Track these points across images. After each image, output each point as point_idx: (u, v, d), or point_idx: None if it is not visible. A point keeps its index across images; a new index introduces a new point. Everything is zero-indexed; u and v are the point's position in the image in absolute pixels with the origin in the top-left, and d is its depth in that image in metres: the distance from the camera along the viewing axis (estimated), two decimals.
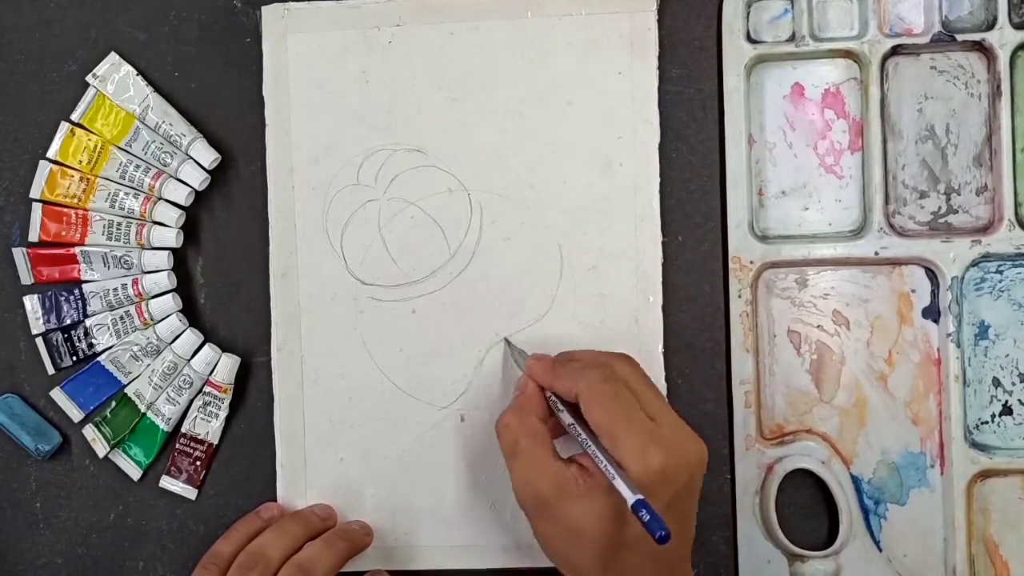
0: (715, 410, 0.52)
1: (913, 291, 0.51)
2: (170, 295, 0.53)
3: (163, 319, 0.53)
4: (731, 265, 0.51)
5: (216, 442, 0.54)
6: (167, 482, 0.54)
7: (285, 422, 0.53)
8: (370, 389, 0.52)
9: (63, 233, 0.53)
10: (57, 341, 0.54)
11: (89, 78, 0.53)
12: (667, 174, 0.52)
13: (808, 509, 0.52)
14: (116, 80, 0.53)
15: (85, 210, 0.53)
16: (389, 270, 0.52)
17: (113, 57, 0.54)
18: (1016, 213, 0.50)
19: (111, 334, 0.53)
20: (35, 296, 0.54)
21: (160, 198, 0.52)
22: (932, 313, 0.51)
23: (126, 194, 0.53)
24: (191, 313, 0.54)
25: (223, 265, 0.54)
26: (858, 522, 0.51)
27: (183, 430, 0.54)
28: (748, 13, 0.52)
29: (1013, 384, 0.51)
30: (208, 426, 0.53)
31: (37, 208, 0.53)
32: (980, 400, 0.51)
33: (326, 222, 0.53)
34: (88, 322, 0.53)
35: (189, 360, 0.53)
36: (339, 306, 0.53)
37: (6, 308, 0.55)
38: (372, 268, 0.53)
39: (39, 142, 0.54)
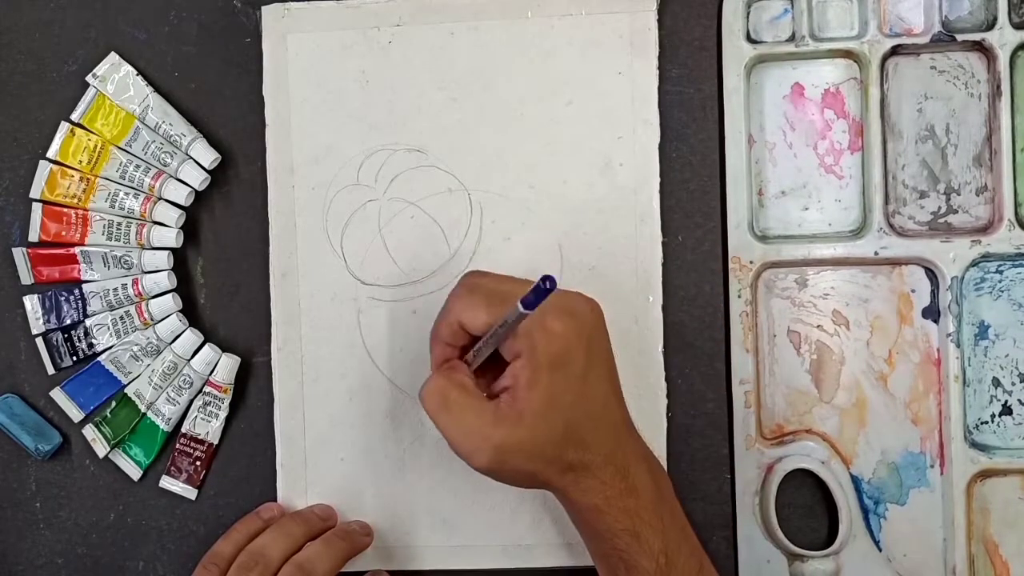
0: (715, 410, 0.52)
1: (913, 291, 0.51)
2: (170, 295, 0.53)
3: (163, 319, 0.53)
4: (731, 265, 0.51)
5: (216, 442, 0.54)
6: (167, 482, 0.54)
7: (285, 422, 0.53)
8: (370, 389, 0.52)
9: (63, 233, 0.53)
10: (57, 341, 0.54)
11: (89, 78, 0.53)
12: (667, 174, 0.52)
13: (808, 509, 0.52)
14: (116, 80, 0.53)
15: (85, 210, 0.53)
16: (389, 270, 0.52)
17: (113, 57, 0.54)
18: (1016, 213, 0.50)
19: (111, 334, 0.53)
20: (35, 296, 0.54)
21: (160, 198, 0.52)
22: (932, 313, 0.51)
23: (126, 194, 0.53)
24: (191, 313, 0.54)
25: (223, 265, 0.54)
26: (858, 522, 0.51)
27: (183, 430, 0.54)
28: (748, 13, 0.52)
29: (1013, 384, 0.51)
30: (208, 426, 0.53)
31: (37, 208, 0.53)
32: (980, 400, 0.51)
33: (326, 222, 0.53)
34: (88, 322, 0.53)
35: (189, 360, 0.53)
36: (339, 306, 0.53)
37: (6, 308, 0.55)
38: (372, 268, 0.53)
39: (39, 142, 0.54)
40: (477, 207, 0.52)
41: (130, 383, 0.53)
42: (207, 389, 0.53)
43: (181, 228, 0.53)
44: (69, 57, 0.55)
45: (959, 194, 0.52)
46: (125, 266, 0.53)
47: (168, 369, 0.53)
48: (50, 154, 0.53)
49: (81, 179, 0.53)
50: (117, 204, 0.53)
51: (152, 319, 0.53)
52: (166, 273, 0.53)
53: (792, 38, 0.51)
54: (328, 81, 0.53)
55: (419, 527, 0.52)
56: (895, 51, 0.51)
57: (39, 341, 0.54)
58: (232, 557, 0.48)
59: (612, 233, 0.51)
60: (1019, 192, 0.51)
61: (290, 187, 0.53)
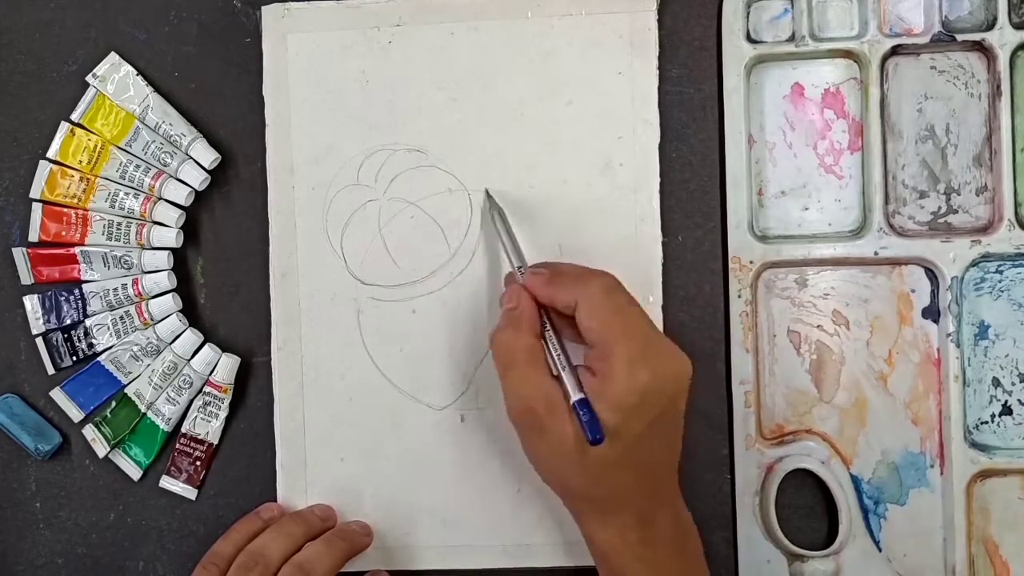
0: (715, 410, 0.52)
1: (913, 291, 0.51)
2: (170, 295, 0.53)
3: (163, 319, 0.53)
4: (731, 265, 0.51)
5: (216, 442, 0.54)
6: (167, 482, 0.54)
7: (285, 422, 0.53)
8: (370, 389, 0.52)
9: (63, 233, 0.53)
10: (57, 341, 0.54)
11: (89, 78, 0.53)
12: (667, 174, 0.52)
13: (808, 509, 0.52)
14: (116, 80, 0.53)
15: (85, 210, 0.53)
16: (389, 270, 0.52)
17: (113, 57, 0.54)
18: (1016, 213, 0.50)
19: (111, 334, 0.53)
20: (35, 296, 0.54)
21: (160, 198, 0.52)
22: (932, 313, 0.51)
23: (126, 194, 0.53)
24: (191, 313, 0.54)
25: (223, 265, 0.54)
26: (858, 522, 0.51)
27: (183, 430, 0.54)
28: (748, 13, 0.52)
29: (1013, 384, 0.51)
30: (208, 426, 0.53)
31: (37, 208, 0.53)
32: (980, 400, 0.51)
33: (326, 222, 0.53)
34: (88, 322, 0.53)
35: (189, 360, 0.53)
36: (339, 306, 0.53)
37: (6, 308, 0.55)
38: (372, 268, 0.53)
39: (39, 142, 0.54)
40: (477, 207, 0.52)
41: (130, 383, 0.53)
42: (207, 389, 0.53)
43: (181, 228, 0.53)
44: (69, 57, 0.55)
45: (959, 194, 0.52)
46: (125, 266, 0.53)
47: (168, 369, 0.53)
48: (50, 154, 0.53)
49: (81, 179, 0.53)
50: (117, 204, 0.53)
51: (152, 319, 0.53)
52: (166, 273, 0.53)
53: (792, 38, 0.51)
54: (328, 81, 0.53)
55: (419, 527, 0.52)
56: (895, 51, 0.51)
57: (39, 341, 0.54)
58: (232, 557, 0.48)
59: (612, 233, 0.51)
60: (1019, 192, 0.51)
61: (290, 187, 0.53)
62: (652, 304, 0.51)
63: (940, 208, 0.52)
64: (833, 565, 0.51)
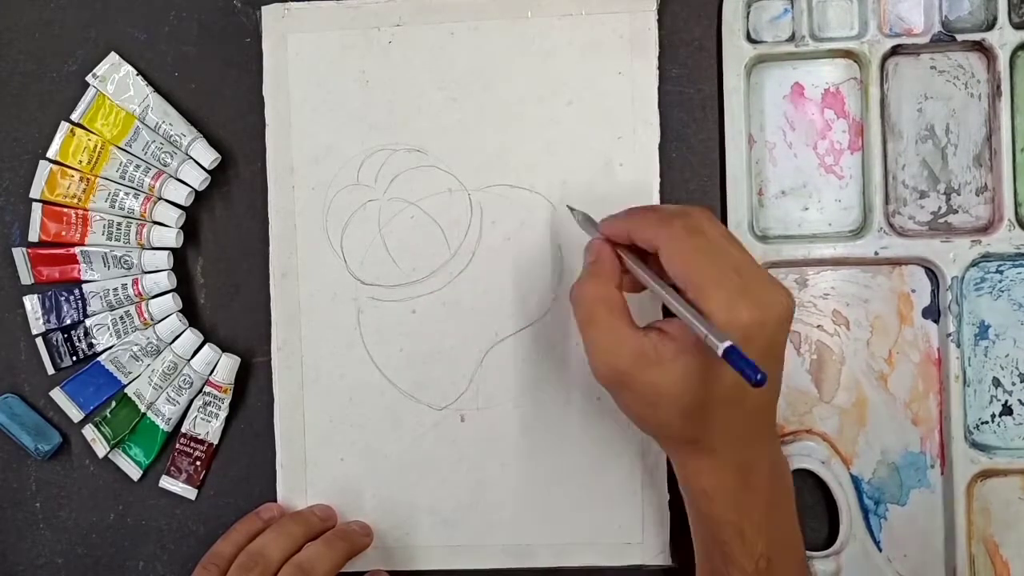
0: None
1: (913, 291, 0.51)
2: (170, 295, 0.53)
3: (163, 319, 0.53)
4: None
5: (216, 442, 0.54)
6: (167, 482, 0.54)
7: (285, 422, 0.53)
8: (370, 389, 0.52)
9: (63, 233, 0.53)
10: (57, 341, 0.54)
11: (89, 78, 0.53)
12: (667, 174, 0.51)
13: (808, 509, 0.52)
14: (116, 80, 0.53)
15: (85, 210, 0.53)
16: (389, 270, 0.52)
17: (113, 57, 0.54)
18: (1016, 213, 0.50)
19: (111, 334, 0.53)
20: (35, 296, 0.54)
21: (160, 198, 0.52)
22: (932, 313, 0.51)
23: (126, 194, 0.53)
24: (191, 313, 0.54)
25: (223, 265, 0.54)
26: (858, 522, 0.51)
27: (183, 430, 0.54)
28: (748, 13, 0.52)
29: (1013, 384, 0.51)
30: (208, 426, 0.53)
31: (37, 208, 0.53)
32: (980, 400, 0.51)
33: (326, 222, 0.53)
34: (88, 322, 0.53)
35: (189, 360, 0.53)
36: (339, 306, 0.53)
37: (6, 308, 0.55)
38: (372, 268, 0.53)
39: (39, 142, 0.54)
40: (477, 207, 0.52)
41: (130, 383, 0.54)
42: (207, 389, 0.53)
43: (181, 228, 0.53)
44: (69, 57, 0.55)
45: (959, 194, 0.51)
46: (125, 266, 0.53)
47: (168, 369, 0.53)
48: (50, 154, 0.53)
49: (81, 179, 0.53)
50: (117, 204, 0.53)
51: (152, 319, 0.53)
52: (166, 273, 0.53)
53: (792, 38, 0.51)
54: (328, 81, 0.53)
55: (419, 527, 0.52)
56: (895, 51, 0.51)
57: (39, 341, 0.54)
58: (232, 557, 0.48)
59: None
60: (1019, 192, 0.51)
61: (290, 187, 0.53)
62: (652, 304, 0.51)
63: (940, 208, 0.52)
64: (833, 565, 0.51)
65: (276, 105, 0.53)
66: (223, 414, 0.53)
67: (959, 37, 0.50)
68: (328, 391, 0.53)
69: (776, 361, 0.42)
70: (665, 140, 0.51)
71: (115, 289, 0.53)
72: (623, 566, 0.51)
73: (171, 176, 0.52)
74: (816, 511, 0.52)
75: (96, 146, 0.53)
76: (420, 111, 0.52)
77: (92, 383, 0.54)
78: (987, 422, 0.51)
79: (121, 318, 0.53)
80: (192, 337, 0.53)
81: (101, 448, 0.54)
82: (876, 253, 0.51)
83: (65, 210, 0.53)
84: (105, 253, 0.53)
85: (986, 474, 0.50)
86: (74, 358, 0.54)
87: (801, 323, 0.52)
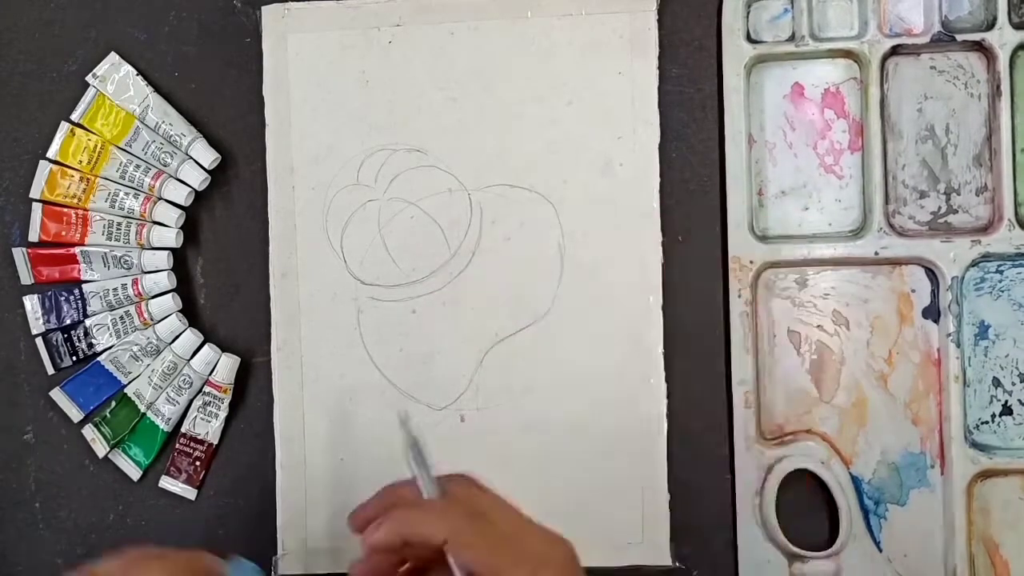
0: (715, 410, 0.52)
1: (913, 291, 0.51)
2: (170, 295, 0.53)
3: (163, 319, 0.53)
4: (731, 265, 0.51)
5: (216, 442, 0.54)
6: (167, 482, 0.54)
7: (285, 422, 0.53)
8: (370, 389, 0.52)
9: (63, 233, 0.53)
10: (57, 341, 0.54)
11: (89, 78, 0.53)
12: (667, 174, 0.52)
13: (808, 509, 0.52)
14: (116, 80, 0.53)
15: (85, 210, 0.53)
16: (389, 270, 0.52)
17: (113, 57, 0.54)
18: (1016, 213, 0.50)
19: (111, 334, 0.53)
20: (35, 296, 0.54)
21: (160, 198, 0.52)
22: (932, 313, 0.51)
23: (126, 194, 0.53)
24: (191, 313, 0.54)
25: (223, 265, 0.54)
26: (858, 522, 0.51)
27: (183, 430, 0.54)
28: (748, 13, 0.52)
29: (1013, 384, 0.51)
30: (208, 426, 0.53)
31: (37, 208, 0.53)
32: (980, 400, 0.51)
33: (326, 222, 0.53)
34: (88, 322, 0.53)
35: (189, 360, 0.53)
36: (339, 306, 0.53)
37: (6, 308, 0.55)
38: (372, 268, 0.53)
39: (39, 142, 0.54)
40: (477, 207, 0.52)
41: (130, 383, 0.53)
42: (207, 389, 0.53)
43: (181, 228, 0.53)
44: (69, 57, 0.55)
45: (959, 194, 0.51)
46: (125, 266, 0.53)
47: (168, 369, 0.53)
48: (50, 154, 0.53)
49: (81, 179, 0.53)
50: (117, 204, 0.53)
51: (152, 319, 0.53)
52: (166, 273, 0.53)
53: (792, 38, 0.51)
54: (328, 81, 0.53)
55: None
56: (895, 51, 0.51)
57: (39, 341, 0.54)
58: None
59: (612, 233, 0.51)
60: (1019, 192, 0.51)
61: (290, 187, 0.53)
62: (652, 304, 0.51)
63: (940, 208, 0.52)
64: (833, 566, 0.51)
65: (276, 105, 0.53)
66: (223, 414, 0.53)
67: (959, 37, 0.50)
68: (328, 391, 0.53)
69: None
70: (665, 140, 0.51)
71: (115, 289, 0.53)
72: (623, 566, 0.51)
73: (171, 176, 0.52)
74: (816, 511, 0.52)
75: (96, 146, 0.53)
76: (420, 111, 0.52)
77: (92, 383, 0.54)
78: (987, 422, 0.51)
79: (121, 318, 0.53)
80: (192, 337, 0.53)
81: (101, 448, 0.54)
82: (876, 253, 0.51)
83: (65, 210, 0.53)
84: (105, 253, 0.53)
85: (986, 474, 0.50)
86: (74, 358, 0.54)
87: (801, 323, 0.52)
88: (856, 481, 0.51)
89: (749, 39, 0.51)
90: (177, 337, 0.53)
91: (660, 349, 0.51)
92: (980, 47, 0.51)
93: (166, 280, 0.53)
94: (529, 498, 0.52)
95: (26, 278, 0.54)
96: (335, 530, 0.52)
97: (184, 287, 0.54)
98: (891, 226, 0.51)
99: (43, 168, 0.53)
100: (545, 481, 0.52)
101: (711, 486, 0.52)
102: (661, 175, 0.51)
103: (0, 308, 0.55)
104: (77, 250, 0.53)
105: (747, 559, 0.51)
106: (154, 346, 0.53)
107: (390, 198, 0.52)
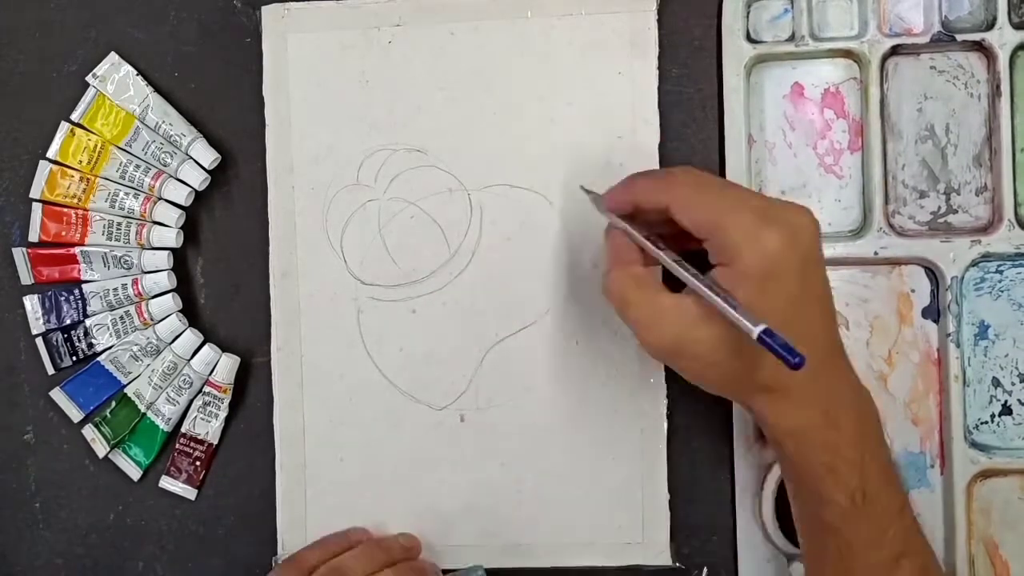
0: (715, 411, 0.52)
1: (913, 291, 0.51)
2: (170, 295, 0.53)
3: (163, 319, 0.53)
4: None
5: (216, 442, 0.54)
6: (167, 482, 0.54)
7: (285, 422, 0.53)
8: (370, 389, 0.52)
9: (63, 233, 0.53)
10: (57, 341, 0.54)
11: (89, 78, 0.53)
12: None
13: None
14: (116, 80, 0.53)
15: (85, 210, 0.53)
16: (389, 270, 0.52)
17: (113, 57, 0.54)
18: (1016, 213, 0.50)
19: (111, 334, 0.53)
20: (35, 296, 0.54)
21: (160, 198, 0.52)
22: (932, 313, 0.51)
23: (126, 194, 0.53)
24: (191, 313, 0.54)
25: (223, 265, 0.54)
26: None
27: (183, 430, 0.54)
28: (748, 13, 0.52)
29: (1013, 384, 0.51)
30: (208, 426, 0.53)
31: (37, 208, 0.53)
32: (980, 400, 0.51)
33: (326, 222, 0.53)
34: (88, 322, 0.53)
35: (189, 360, 0.53)
36: (339, 306, 0.53)
37: (6, 308, 0.55)
38: (372, 268, 0.53)
39: (39, 142, 0.54)
40: (477, 207, 0.52)
41: (130, 383, 0.54)
42: (207, 389, 0.53)
43: (181, 228, 0.53)
44: (69, 57, 0.55)
45: (959, 194, 0.52)
46: (125, 266, 0.53)
47: (168, 369, 0.53)
48: (50, 154, 0.53)
49: (81, 179, 0.53)
50: (117, 204, 0.53)
51: (152, 319, 0.53)
52: (166, 273, 0.53)
53: (792, 38, 0.51)
54: (328, 81, 0.53)
55: (419, 527, 0.52)
56: (895, 51, 0.51)
57: (39, 341, 0.54)
58: (314, 566, 0.48)
59: None
60: (1019, 192, 0.51)
61: (290, 187, 0.53)
62: None
63: (940, 208, 0.52)
64: None
65: (276, 105, 0.53)
66: (223, 414, 0.53)
67: (959, 37, 0.50)
68: (328, 391, 0.53)
69: (815, 284, 0.41)
70: (665, 140, 0.51)
71: (115, 289, 0.53)
72: (623, 566, 0.51)
73: (171, 176, 0.52)
74: None
75: (96, 146, 0.53)
76: (420, 111, 0.52)
77: (92, 383, 0.54)
78: (987, 422, 0.51)
79: (121, 318, 0.53)
80: (192, 337, 0.53)
81: (101, 448, 0.54)
82: (876, 253, 0.51)
83: (65, 210, 0.53)
84: (105, 253, 0.53)
85: (986, 474, 0.50)
86: (74, 358, 0.54)
87: None
88: None
89: (749, 39, 0.51)
90: (177, 337, 0.53)
91: None
92: (980, 47, 0.51)
93: (166, 280, 0.53)
94: (529, 498, 0.52)
95: (26, 278, 0.54)
96: (335, 530, 0.52)
97: (184, 287, 0.54)
98: (891, 226, 0.51)
99: (43, 168, 0.53)
100: (545, 481, 0.52)
101: (711, 486, 0.52)
102: None
103: (0, 308, 0.55)
104: (77, 250, 0.53)
105: (747, 558, 0.51)
106: (154, 346, 0.53)
107: (390, 198, 0.52)
